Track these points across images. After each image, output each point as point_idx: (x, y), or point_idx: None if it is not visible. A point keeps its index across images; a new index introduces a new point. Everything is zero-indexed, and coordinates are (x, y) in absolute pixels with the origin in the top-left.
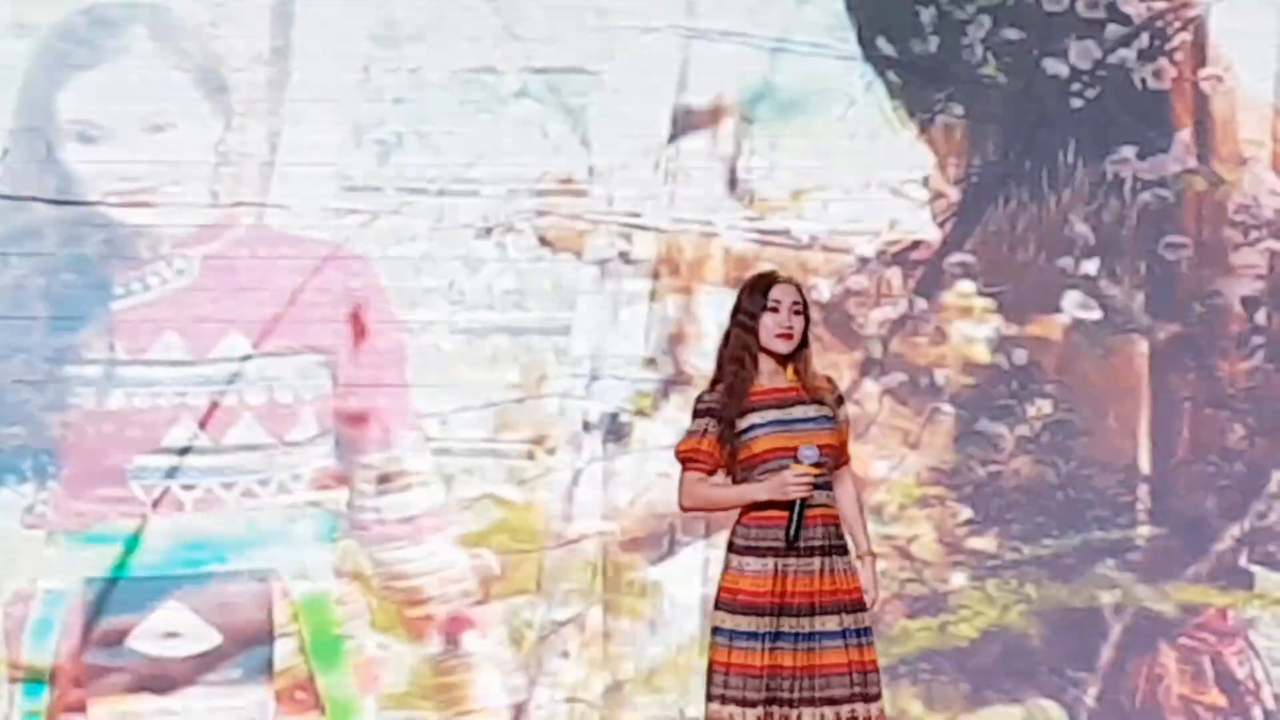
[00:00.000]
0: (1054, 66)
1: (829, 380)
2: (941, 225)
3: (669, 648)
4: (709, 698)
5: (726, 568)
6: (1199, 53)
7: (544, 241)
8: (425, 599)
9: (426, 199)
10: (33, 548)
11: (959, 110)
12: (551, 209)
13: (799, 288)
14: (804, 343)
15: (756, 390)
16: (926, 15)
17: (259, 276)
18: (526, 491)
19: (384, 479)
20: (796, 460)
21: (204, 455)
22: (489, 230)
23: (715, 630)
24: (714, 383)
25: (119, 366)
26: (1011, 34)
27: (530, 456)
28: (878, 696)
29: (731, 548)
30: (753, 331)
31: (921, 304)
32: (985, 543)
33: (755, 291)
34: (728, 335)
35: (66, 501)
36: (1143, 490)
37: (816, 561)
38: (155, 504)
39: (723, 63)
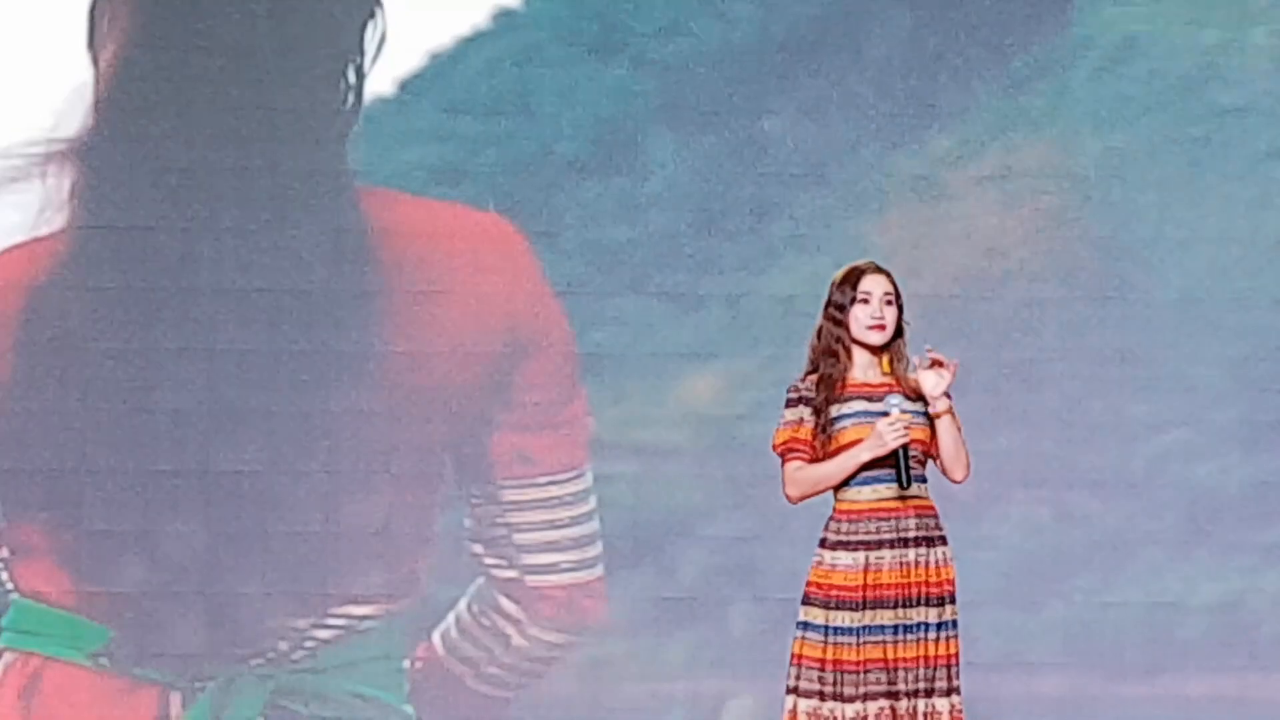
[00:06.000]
0: None
1: None
2: None
3: None
4: (801, 694)
5: (819, 563)
6: None
7: None
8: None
9: None
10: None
11: None
12: None
13: (889, 277)
14: (898, 332)
15: (849, 384)
16: None
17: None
18: None
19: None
20: (885, 415)
21: None
22: None
23: (806, 625)
24: (807, 373)
25: None
26: None
27: None
28: (959, 690)
29: (824, 543)
30: (842, 325)
31: None
32: None
33: (845, 284)
34: (819, 330)
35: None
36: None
37: (911, 553)
38: None
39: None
